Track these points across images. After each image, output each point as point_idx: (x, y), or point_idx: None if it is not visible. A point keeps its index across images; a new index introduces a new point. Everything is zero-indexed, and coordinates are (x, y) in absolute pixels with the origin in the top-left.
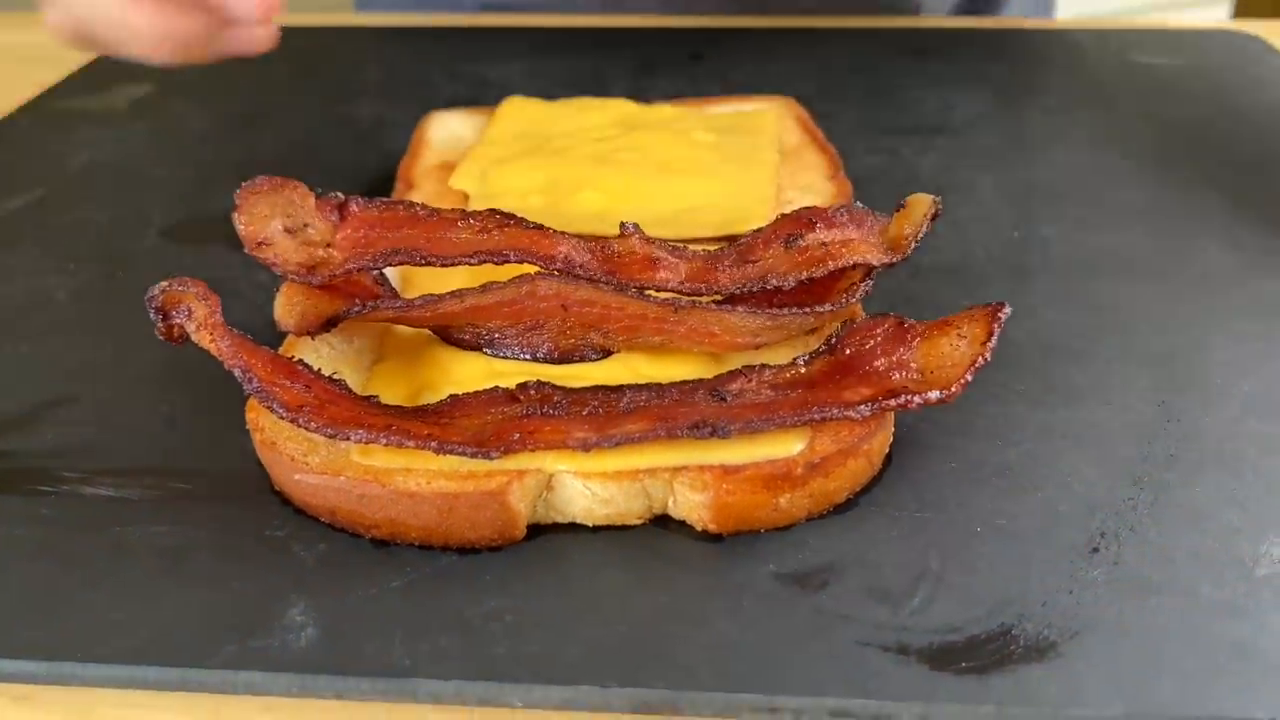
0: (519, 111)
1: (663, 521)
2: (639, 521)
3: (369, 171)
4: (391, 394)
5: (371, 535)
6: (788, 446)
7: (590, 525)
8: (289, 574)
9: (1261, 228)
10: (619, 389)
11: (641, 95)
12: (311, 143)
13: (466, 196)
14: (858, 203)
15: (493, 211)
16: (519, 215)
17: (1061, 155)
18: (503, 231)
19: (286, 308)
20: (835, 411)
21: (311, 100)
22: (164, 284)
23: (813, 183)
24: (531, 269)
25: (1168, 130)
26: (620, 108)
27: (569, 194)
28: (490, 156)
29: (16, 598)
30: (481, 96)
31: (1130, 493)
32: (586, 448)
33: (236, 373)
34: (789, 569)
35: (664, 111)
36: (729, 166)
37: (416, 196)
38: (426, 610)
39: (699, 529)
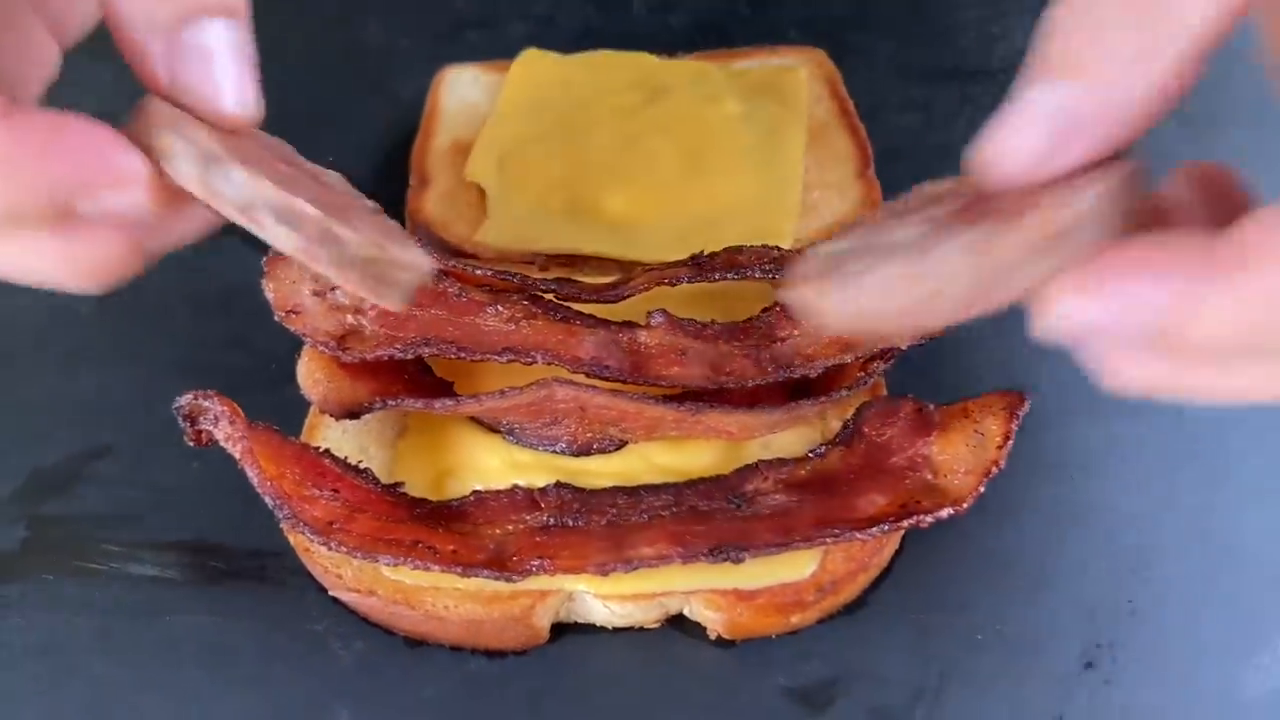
0: (533, 72)
1: (678, 619)
2: (655, 625)
3: (382, 136)
4: (416, 479)
5: (405, 636)
6: (800, 568)
7: (610, 629)
8: (329, 678)
9: None
10: (636, 492)
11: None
12: (319, 93)
13: (483, 194)
14: None
15: (521, 294)
16: (545, 298)
17: None
18: (531, 325)
19: (310, 381)
20: (848, 534)
21: (313, 22)
22: (189, 396)
23: (841, 180)
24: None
25: (1222, 84)
26: (641, 64)
27: (591, 195)
28: (505, 137)
29: (80, 700)
30: (493, 16)
31: (1131, 591)
32: (605, 573)
33: (267, 500)
34: (797, 683)
35: (687, 69)
36: (757, 154)
37: (432, 194)
38: None
39: (712, 636)
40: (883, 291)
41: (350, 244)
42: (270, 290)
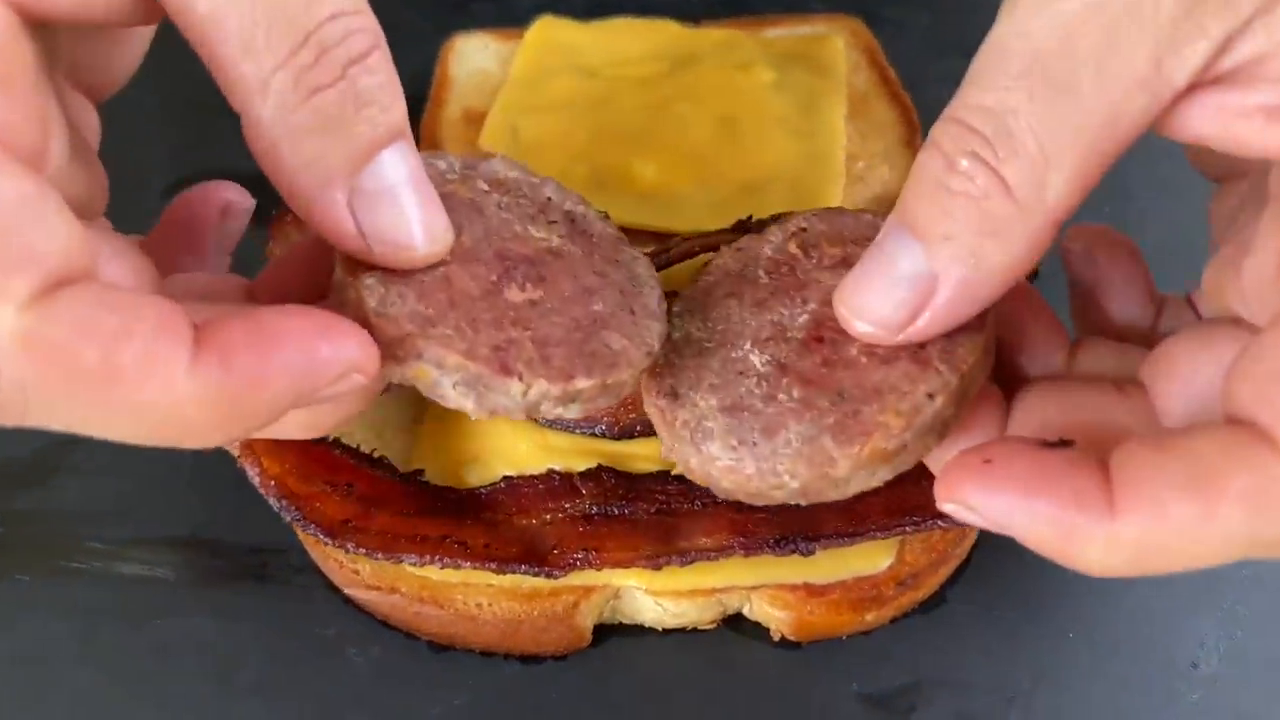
0: (549, 39)
1: (735, 620)
2: (711, 626)
3: None
4: (437, 465)
5: (429, 640)
6: (875, 560)
7: (659, 629)
8: (344, 687)
9: None
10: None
11: None
12: None
13: None
14: None
15: None
16: None
17: None
18: None
19: None
20: (929, 523)
21: None
22: None
23: (887, 149)
24: None
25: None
26: (664, 32)
27: (620, 164)
28: (521, 105)
29: (63, 713)
30: None
31: (1230, 586)
32: (657, 566)
33: (272, 503)
34: (873, 688)
35: (714, 37)
36: (794, 121)
37: None
38: None
39: (775, 637)
40: (728, 468)
41: (628, 381)
42: (277, 254)
